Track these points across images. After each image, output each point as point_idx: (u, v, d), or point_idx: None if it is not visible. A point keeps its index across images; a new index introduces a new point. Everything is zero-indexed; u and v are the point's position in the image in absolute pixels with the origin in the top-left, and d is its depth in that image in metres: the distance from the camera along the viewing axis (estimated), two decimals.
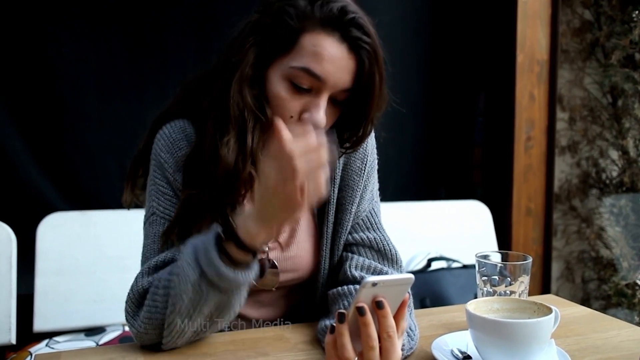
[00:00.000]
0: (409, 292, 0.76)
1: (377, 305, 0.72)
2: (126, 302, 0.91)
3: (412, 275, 0.73)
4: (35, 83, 1.92)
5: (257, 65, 0.88)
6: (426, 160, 2.47)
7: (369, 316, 0.72)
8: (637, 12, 2.35)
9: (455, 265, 2.03)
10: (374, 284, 0.70)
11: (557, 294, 2.52)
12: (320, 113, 0.87)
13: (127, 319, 0.90)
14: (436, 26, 2.40)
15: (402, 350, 0.83)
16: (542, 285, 2.46)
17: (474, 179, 2.56)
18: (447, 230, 2.22)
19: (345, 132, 0.96)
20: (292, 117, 0.88)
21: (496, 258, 1.03)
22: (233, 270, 0.78)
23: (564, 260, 2.54)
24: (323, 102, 0.87)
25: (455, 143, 2.50)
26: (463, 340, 0.89)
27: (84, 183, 1.97)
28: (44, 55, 1.92)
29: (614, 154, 2.48)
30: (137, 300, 0.89)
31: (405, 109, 2.68)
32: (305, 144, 0.71)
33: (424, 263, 2.01)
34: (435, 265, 2.00)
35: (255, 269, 0.82)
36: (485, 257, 1.02)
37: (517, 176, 2.33)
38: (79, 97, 1.96)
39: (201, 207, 0.90)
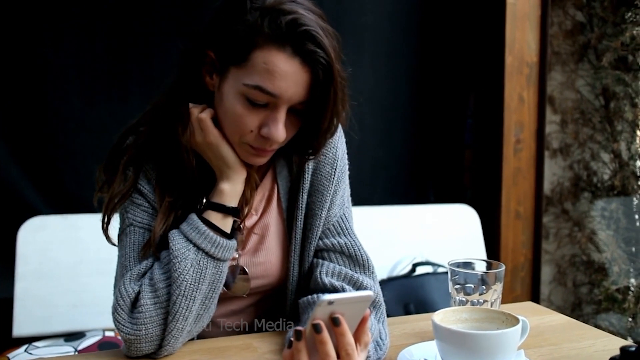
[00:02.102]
0: (369, 308, 0.74)
1: (334, 322, 0.70)
2: (115, 312, 0.88)
3: (371, 293, 0.72)
4: (18, 85, 1.91)
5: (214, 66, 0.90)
6: (415, 162, 2.45)
7: (325, 334, 0.70)
8: (629, 13, 2.32)
9: (440, 270, 2.00)
10: (330, 302, 0.68)
11: (549, 298, 2.50)
12: (279, 127, 0.87)
13: (119, 329, 0.88)
14: (425, 27, 2.38)
15: None
16: (532, 289, 2.43)
17: (464, 181, 2.54)
18: (434, 234, 2.20)
19: (309, 139, 0.95)
20: (251, 131, 0.89)
21: (473, 266, 1.01)
22: (222, 237, 0.90)
23: (555, 264, 2.51)
24: (281, 116, 0.87)
25: (444, 145, 2.48)
26: (432, 351, 0.87)
27: (66, 186, 1.95)
28: (27, 58, 1.91)
29: (606, 157, 2.45)
30: (128, 306, 0.88)
31: (393, 110, 2.67)
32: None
33: (409, 268, 1.98)
34: (420, 270, 1.98)
35: (238, 236, 0.94)
36: (458, 265, 1.00)
37: (506, 179, 2.31)
38: (62, 99, 1.95)
39: (183, 209, 0.95)
